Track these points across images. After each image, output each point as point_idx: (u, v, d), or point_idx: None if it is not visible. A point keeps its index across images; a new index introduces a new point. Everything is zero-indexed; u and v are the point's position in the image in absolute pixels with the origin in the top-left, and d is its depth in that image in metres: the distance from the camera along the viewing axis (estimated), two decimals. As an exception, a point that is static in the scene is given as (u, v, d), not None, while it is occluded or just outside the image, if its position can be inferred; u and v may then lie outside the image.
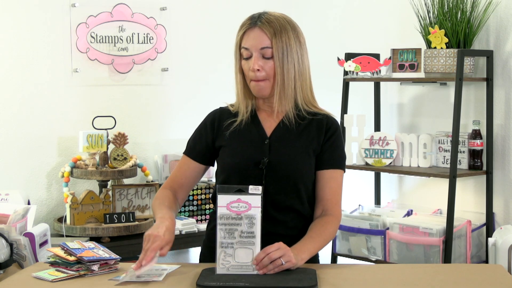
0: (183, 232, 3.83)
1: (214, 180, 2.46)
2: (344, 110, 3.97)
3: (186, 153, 2.41)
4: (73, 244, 2.18)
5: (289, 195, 2.28)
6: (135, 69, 4.08)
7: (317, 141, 2.31)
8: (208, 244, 2.36)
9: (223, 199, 2.06)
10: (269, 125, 2.34)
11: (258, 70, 2.26)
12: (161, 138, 4.20)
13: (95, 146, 3.72)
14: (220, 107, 2.43)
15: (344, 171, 2.36)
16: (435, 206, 3.90)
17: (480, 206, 3.73)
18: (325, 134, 2.32)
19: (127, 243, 3.60)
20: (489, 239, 3.25)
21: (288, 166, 2.28)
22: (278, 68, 2.26)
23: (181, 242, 3.83)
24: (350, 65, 3.87)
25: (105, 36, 3.97)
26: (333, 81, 4.15)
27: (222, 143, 2.34)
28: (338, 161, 2.33)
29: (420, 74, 3.75)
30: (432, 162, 3.77)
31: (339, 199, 2.33)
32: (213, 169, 2.46)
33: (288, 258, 2.05)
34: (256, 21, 2.28)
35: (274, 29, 2.26)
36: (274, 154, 2.29)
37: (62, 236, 3.61)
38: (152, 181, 3.94)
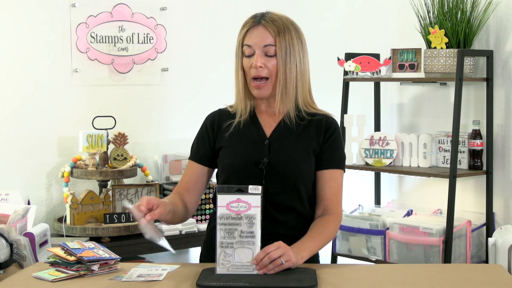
0: (183, 232, 3.83)
1: (214, 180, 2.46)
2: (344, 110, 3.97)
3: (191, 157, 2.41)
4: (73, 244, 2.18)
5: (289, 195, 2.28)
6: (135, 69, 4.08)
7: (316, 141, 2.32)
8: (208, 244, 2.36)
9: (223, 199, 2.06)
10: (268, 125, 2.34)
11: (261, 67, 2.26)
12: (161, 138, 4.19)
13: (95, 146, 3.72)
14: (219, 109, 2.43)
15: (344, 171, 2.36)
16: (435, 206, 3.90)
17: (480, 206, 3.73)
18: (325, 134, 2.33)
19: (127, 243, 3.59)
20: (489, 239, 3.24)
21: (288, 166, 2.28)
22: (281, 66, 2.26)
23: (181, 242, 3.82)
24: (350, 65, 3.87)
25: (105, 36, 3.97)
26: (333, 81, 4.15)
27: (222, 144, 2.34)
28: (337, 161, 2.34)
29: (420, 74, 3.75)
30: (432, 162, 3.77)
31: (339, 199, 2.33)
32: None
33: (288, 257, 2.05)
34: (260, 20, 2.28)
35: (278, 28, 2.26)
36: (274, 154, 2.29)
37: (62, 236, 3.61)
38: (152, 181, 3.94)
